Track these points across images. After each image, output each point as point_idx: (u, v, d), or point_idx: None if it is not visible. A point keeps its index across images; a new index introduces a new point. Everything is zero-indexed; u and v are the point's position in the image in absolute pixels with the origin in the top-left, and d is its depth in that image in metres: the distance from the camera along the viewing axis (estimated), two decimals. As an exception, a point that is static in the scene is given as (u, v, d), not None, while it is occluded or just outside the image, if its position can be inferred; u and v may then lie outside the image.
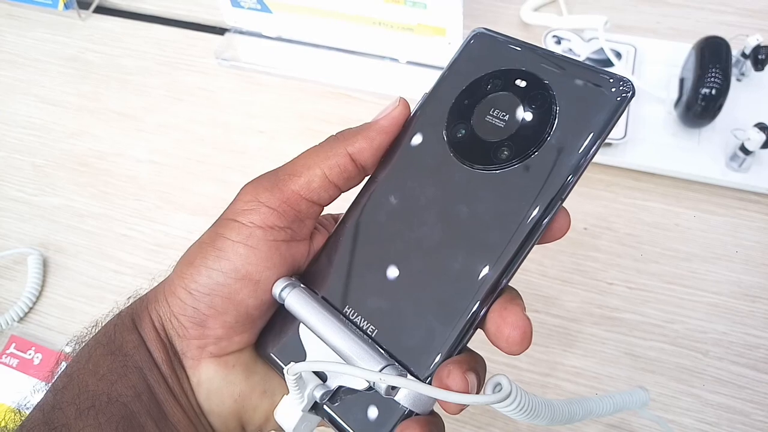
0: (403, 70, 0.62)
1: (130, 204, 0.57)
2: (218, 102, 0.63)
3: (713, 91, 0.49)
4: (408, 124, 0.28)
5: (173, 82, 0.65)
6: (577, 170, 0.24)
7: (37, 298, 0.52)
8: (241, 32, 0.66)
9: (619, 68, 0.56)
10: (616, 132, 0.52)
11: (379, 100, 0.60)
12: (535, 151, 0.25)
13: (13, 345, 0.49)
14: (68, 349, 0.48)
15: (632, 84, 0.24)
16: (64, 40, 0.70)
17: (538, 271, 0.50)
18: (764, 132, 0.49)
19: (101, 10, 0.72)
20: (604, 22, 0.56)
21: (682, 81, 0.54)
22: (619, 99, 0.24)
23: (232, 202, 0.27)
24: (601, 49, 0.57)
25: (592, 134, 0.24)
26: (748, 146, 0.49)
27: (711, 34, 0.52)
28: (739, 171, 0.51)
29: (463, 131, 0.26)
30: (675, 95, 0.53)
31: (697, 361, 0.45)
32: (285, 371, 0.25)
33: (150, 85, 0.65)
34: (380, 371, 0.24)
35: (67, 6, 0.68)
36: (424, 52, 0.60)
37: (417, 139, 0.28)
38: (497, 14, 0.66)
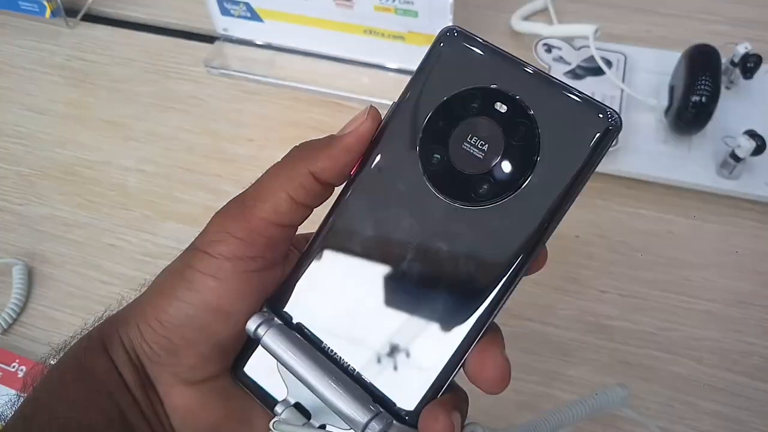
0: (394, 78, 0.62)
1: (117, 213, 0.56)
2: (208, 110, 0.63)
3: (703, 99, 0.49)
4: (378, 136, 0.26)
5: (162, 90, 0.65)
6: (561, 211, 0.23)
7: (22, 309, 0.51)
8: (231, 40, 0.66)
9: (609, 76, 0.56)
10: (608, 139, 0.52)
11: (370, 108, 0.60)
12: (517, 190, 0.23)
13: (-3, 357, 0.48)
14: (52, 362, 0.47)
15: (619, 117, 0.23)
16: (52, 48, 0.69)
17: (530, 280, 0.48)
18: (754, 139, 0.49)
19: (89, 17, 0.72)
20: (595, 30, 0.56)
21: (672, 89, 0.54)
22: (606, 134, 0.22)
23: (201, 231, 0.26)
24: (592, 57, 0.57)
25: (577, 172, 0.23)
26: (739, 153, 0.50)
27: (700, 42, 0.53)
28: (730, 178, 0.51)
29: (439, 158, 0.25)
30: (665, 103, 0.54)
31: (692, 369, 0.45)
32: (271, 426, 0.24)
33: (139, 93, 0.65)
34: (366, 424, 0.23)
35: (54, 14, 0.68)
36: (415, 61, 0.60)
37: (388, 159, 0.26)
38: (487, 23, 0.66)
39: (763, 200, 0.51)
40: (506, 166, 0.24)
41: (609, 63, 0.58)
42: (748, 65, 0.54)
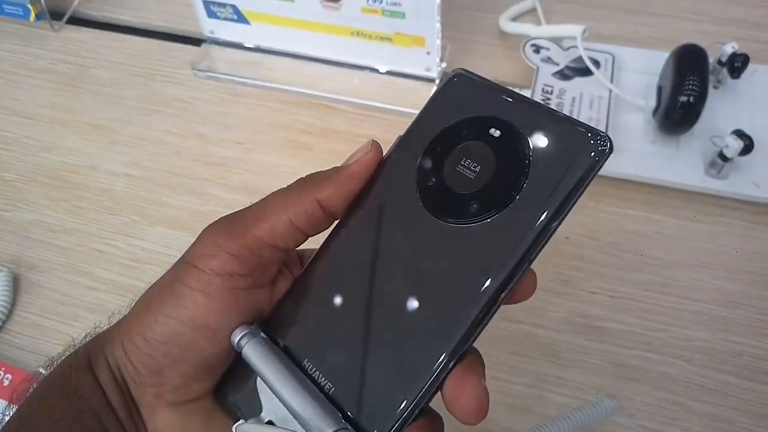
0: (383, 80, 0.61)
1: (104, 218, 0.56)
2: (195, 113, 0.62)
3: (691, 99, 0.50)
4: (380, 168, 0.27)
5: (149, 94, 0.64)
6: (548, 231, 0.23)
7: (7, 317, 0.50)
8: (218, 43, 0.65)
9: (597, 77, 0.56)
10: (596, 140, 0.52)
11: (359, 110, 0.60)
12: (506, 208, 0.24)
13: (-17, 366, 0.48)
14: (43, 371, 0.46)
15: (610, 140, 0.23)
16: (37, 52, 0.68)
17: (520, 281, 0.49)
18: (742, 139, 0.49)
19: (74, 20, 0.71)
20: (582, 30, 0.56)
21: (660, 89, 0.54)
22: (595, 157, 0.23)
23: (192, 244, 0.26)
24: (580, 57, 0.57)
25: (565, 194, 0.23)
26: (727, 153, 0.50)
27: (688, 42, 0.53)
28: (718, 178, 0.51)
29: (434, 180, 0.25)
30: (654, 103, 0.54)
31: (682, 369, 0.45)
32: (233, 429, 0.24)
33: (125, 96, 0.64)
34: None
35: (39, 17, 0.67)
36: (403, 62, 0.60)
37: (388, 186, 0.27)
38: (476, 24, 0.66)
39: (751, 200, 0.51)
40: (495, 185, 0.24)
41: (597, 63, 0.58)
42: (736, 65, 0.54)
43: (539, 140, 0.24)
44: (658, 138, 0.54)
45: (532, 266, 0.24)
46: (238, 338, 0.25)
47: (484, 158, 0.25)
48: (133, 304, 0.27)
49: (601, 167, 0.23)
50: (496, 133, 0.25)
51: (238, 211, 0.27)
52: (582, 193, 0.23)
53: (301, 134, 0.59)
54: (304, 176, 0.27)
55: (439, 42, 0.57)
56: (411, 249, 0.25)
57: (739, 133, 0.49)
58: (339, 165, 0.27)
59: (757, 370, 0.45)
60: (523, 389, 0.45)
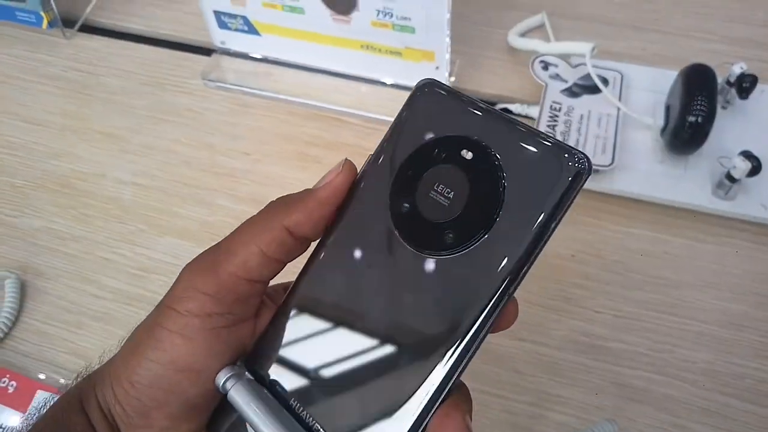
0: (391, 93, 0.62)
1: (112, 227, 0.56)
2: (204, 123, 0.63)
3: (699, 119, 0.50)
4: (354, 189, 0.26)
5: (158, 103, 0.64)
6: (529, 261, 0.22)
7: (14, 323, 0.51)
8: (228, 53, 0.66)
9: (606, 95, 0.56)
10: (604, 159, 0.52)
11: (367, 123, 0.60)
12: (483, 238, 0.23)
13: (-12, 372, 0.48)
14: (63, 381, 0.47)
15: (588, 160, 0.22)
16: (48, 59, 0.69)
17: (523, 298, 0.49)
18: (750, 160, 0.49)
19: (86, 28, 0.72)
20: (591, 48, 0.56)
21: (668, 108, 0.54)
22: (574, 179, 0.22)
23: (171, 286, 0.26)
24: (588, 75, 0.57)
25: (544, 219, 0.22)
26: (734, 174, 0.50)
27: (696, 62, 0.53)
28: (726, 199, 0.51)
29: (407, 206, 0.24)
30: (662, 122, 0.54)
31: (684, 391, 0.45)
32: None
33: (135, 105, 0.64)
34: None
35: (51, 24, 0.68)
36: (412, 76, 0.60)
37: (361, 211, 0.26)
38: (484, 38, 0.66)
39: (758, 221, 0.51)
40: (471, 214, 0.23)
41: (606, 81, 0.58)
42: (744, 85, 0.54)
43: (514, 162, 0.23)
44: (665, 157, 0.54)
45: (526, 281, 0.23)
46: (222, 381, 0.25)
47: (456, 183, 0.24)
48: (122, 343, 0.27)
49: (580, 188, 0.22)
50: (468, 155, 0.24)
51: (213, 246, 0.26)
52: (563, 215, 0.22)
53: (309, 146, 0.60)
54: (274, 199, 0.27)
55: (448, 56, 0.57)
56: (390, 281, 0.24)
57: (747, 155, 0.49)
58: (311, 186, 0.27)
59: (759, 393, 0.45)
60: (525, 407, 0.45)
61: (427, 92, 0.25)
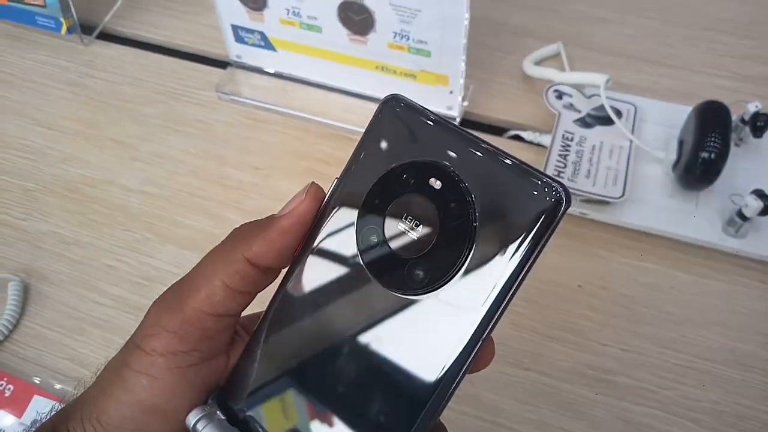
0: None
1: (118, 234, 0.56)
2: (215, 135, 0.63)
3: (713, 156, 0.49)
4: (321, 215, 0.25)
5: (171, 112, 0.65)
6: (506, 300, 0.21)
7: (15, 326, 0.50)
8: (243, 67, 0.66)
9: (619, 126, 0.56)
10: (614, 191, 0.52)
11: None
12: (454, 276, 0.21)
13: (-15, 375, 0.47)
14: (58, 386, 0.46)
15: (566, 191, 0.20)
16: (65, 64, 0.69)
17: (529, 327, 0.49)
18: (762, 199, 0.48)
19: (104, 36, 0.72)
20: (606, 80, 0.57)
21: (681, 143, 0.54)
22: (551, 211, 0.20)
23: (140, 322, 0.25)
24: (602, 106, 0.57)
25: (520, 257, 0.21)
26: (746, 212, 0.49)
27: (711, 99, 0.53)
28: (736, 237, 0.51)
29: (374, 239, 0.23)
30: (674, 156, 0.53)
31: (689, 431, 0.44)
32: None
33: (147, 114, 0.65)
34: None
35: (70, 30, 0.68)
36: (425, 99, 0.60)
37: (329, 240, 0.24)
38: (499, 65, 0.66)
39: (768, 261, 0.51)
40: (441, 250, 0.22)
41: (619, 113, 0.58)
42: (759, 124, 0.54)
43: (486, 192, 0.21)
44: (676, 192, 0.54)
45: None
46: (192, 423, 0.24)
47: (425, 215, 0.22)
48: (96, 375, 0.26)
49: (558, 222, 0.21)
50: (437, 184, 0.22)
51: (178, 281, 0.25)
52: (541, 251, 0.21)
53: (320, 164, 0.60)
54: (238, 227, 0.25)
55: (462, 81, 0.57)
56: (360, 316, 0.23)
57: (760, 193, 0.49)
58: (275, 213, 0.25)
59: (765, 436, 0.44)
60: (526, 439, 0.44)
61: (393, 110, 0.24)
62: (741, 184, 0.53)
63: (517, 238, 0.21)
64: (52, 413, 0.27)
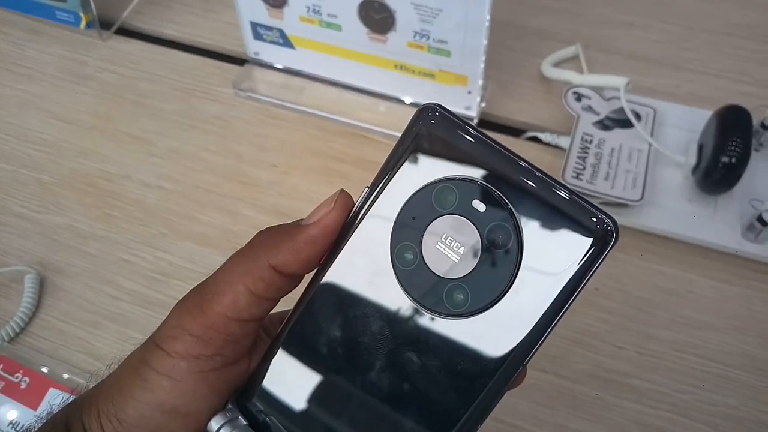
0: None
1: (134, 229, 0.56)
2: (232, 132, 0.63)
3: (733, 160, 0.49)
4: (351, 224, 0.24)
5: (188, 109, 0.65)
6: (545, 333, 0.21)
7: (31, 319, 0.50)
8: (261, 64, 0.66)
9: (638, 130, 0.55)
10: (633, 194, 0.52)
11: (395, 142, 0.60)
12: (496, 303, 0.21)
13: (1, 366, 0.48)
14: (66, 376, 0.46)
15: (616, 225, 0.20)
16: (83, 59, 0.70)
17: (546, 329, 0.48)
18: (783, 205, 0.48)
19: (123, 31, 0.72)
20: (626, 82, 0.56)
21: (701, 147, 0.53)
22: (600, 246, 0.20)
23: (162, 322, 0.25)
24: (621, 109, 0.57)
25: (564, 291, 0.20)
26: (766, 218, 0.49)
27: (732, 103, 0.52)
28: (756, 242, 0.50)
29: (411, 257, 0.22)
30: (693, 161, 0.53)
31: (707, 436, 0.44)
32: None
33: (165, 110, 0.65)
34: None
35: (89, 25, 0.68)
36: (443, 99, 0.60)
37: (359, 252, 0.23)
38: (518, 66, 0.66)
39: (787, 267, 0.50)
40: (484, 275, 0.21)
41: (638, 116, 0.58)
42: (779, 129, 0.53)
43: (533, 221, 0.20)
44: (695, 196, 0.53)
45: None
46: (216, 429, 0.24)
47: (467, 237, 0.21)
48: (111, 368, 0.26)
49: (606, 257, 0.20)
50: (481, 207, 0.21)
51: (200, 284, 0.25)
52: (586, 285, 0.20)
53: (337, 162, 0.59)
54: (262, 230, 0.25)
55: (481, 82, 0.57)
56: (389, 332, 0.23)
57: (780, 199, 0.48)
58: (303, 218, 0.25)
59: (786, 443, 0.43)
60: (543, 441, 0.44)
61: (433, 120, 0.22)
62: (761, 189, 0.53)
63: (563, 270, 0.20)
64: (65, 404, 0.27)
